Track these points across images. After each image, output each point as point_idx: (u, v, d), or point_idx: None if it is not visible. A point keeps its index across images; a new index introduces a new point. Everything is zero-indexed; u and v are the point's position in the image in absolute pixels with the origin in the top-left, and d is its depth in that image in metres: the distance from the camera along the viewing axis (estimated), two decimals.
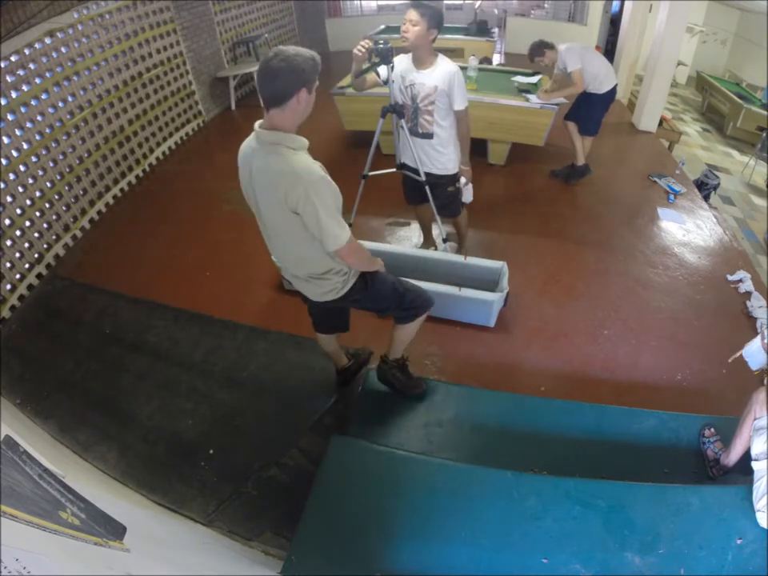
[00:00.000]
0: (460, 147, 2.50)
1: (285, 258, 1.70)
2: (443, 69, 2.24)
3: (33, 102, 3.11)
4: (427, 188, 2.54)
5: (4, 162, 2.89)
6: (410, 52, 2.28)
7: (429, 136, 2.43)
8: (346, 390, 2.27)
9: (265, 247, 1.75)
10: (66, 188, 3.42)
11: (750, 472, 1.40)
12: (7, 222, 2.91)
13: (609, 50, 7.83)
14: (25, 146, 3.06)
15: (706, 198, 4.23)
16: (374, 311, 1.92)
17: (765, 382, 2.31)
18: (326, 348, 2.12)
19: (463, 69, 4.26)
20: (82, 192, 3.59)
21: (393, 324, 1.94)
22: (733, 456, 1.63)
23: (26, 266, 3.06)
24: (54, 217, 3.32)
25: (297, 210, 1.35)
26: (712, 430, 1.81)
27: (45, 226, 3.23)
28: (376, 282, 1.72)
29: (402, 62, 2.33)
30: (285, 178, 1.32)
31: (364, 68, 2.30)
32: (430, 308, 1.88)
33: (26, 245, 3.07)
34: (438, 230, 3.06)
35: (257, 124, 1.38)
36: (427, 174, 2.51)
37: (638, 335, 2.57)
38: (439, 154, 2.49)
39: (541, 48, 3.52)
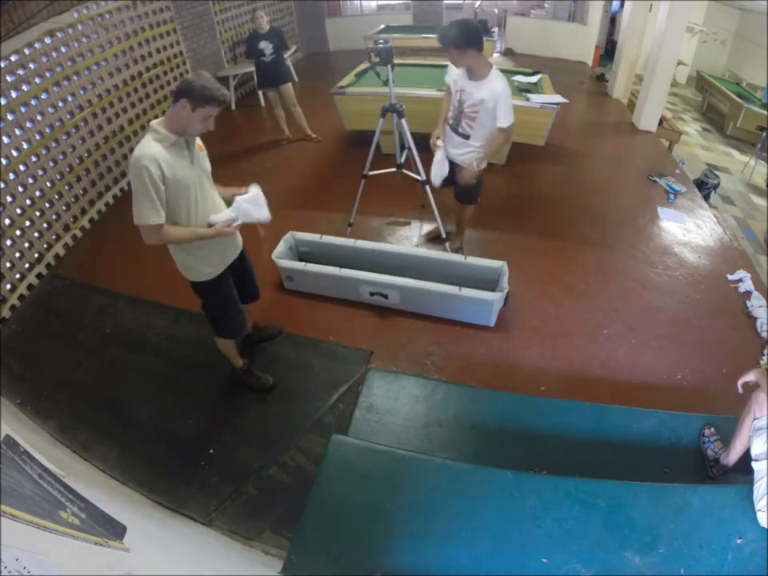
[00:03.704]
0: (487, 148, 2.49)
1: None
2: (492, 86, 2.27)
3: (33, 102, 3.11)
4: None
5: (4, 161, 2.89)
6: None
7: (466, 137, 2.48)
8: (346, 390, 2.27)
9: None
10: (66, 188, 3.43)
11: (750, 472, 1.40)
12: (7, 221, 2.91)
13: (609, 49, 7.84)
14: (25, 146, 3.06)
15: (706, 197, 4.23)
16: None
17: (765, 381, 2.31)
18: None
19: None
20: (82, 192, 3.59)
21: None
22: (732, 456, 1.63)
23: (26, 265, 3.07)
24: (54, 216, 3.32)
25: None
26: (712, 429, 1.81)
27: (45, 225, 3.23)
28: (214, 296, 1.98)
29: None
30: (135, 149, 1.59)
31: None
32: (223, 338, 2.16)
33: (26, 244, 3.07)
34: (438, 229, 3.07)
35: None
36: (452, 163, 2.59)
37: (637, 335, 2.57)
38: (469, 150, 2.51)
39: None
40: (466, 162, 2.50)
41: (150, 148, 1.57)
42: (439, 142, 2.52)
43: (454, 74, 2.41)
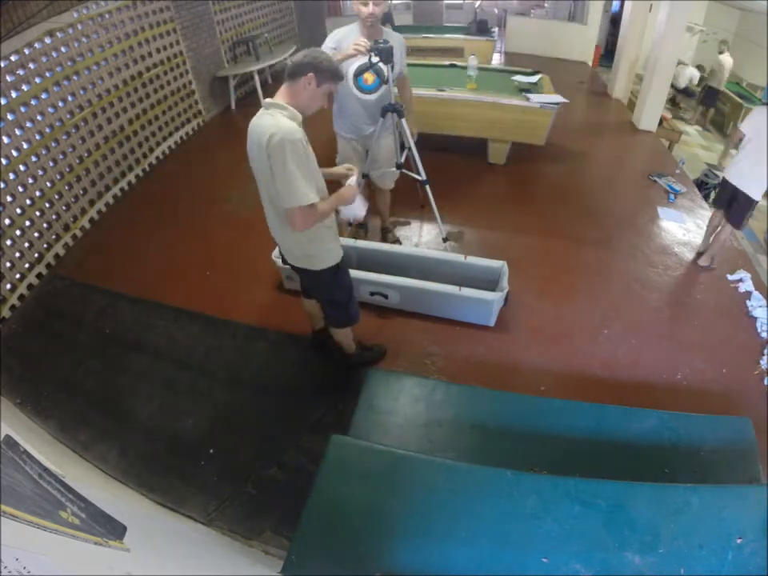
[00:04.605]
0: None
1: (271, 221, 1.82)
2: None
3: (33, 102, 3.11)
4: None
5: (4, 161, 2.89)
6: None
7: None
8: (346, 390, 2.27)
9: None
10: (66, 187, 3.42)
11: None
12: (7, 221, 2.91)
13: (609, 49, 7.84)
14: (25, 146, 3.06)
15: (706, 197, 4.23)
16: (319, 298, 2.08)
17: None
18: (308, 309, 2.28)
19: (464, 68, 4.28)
20: (82, 191, 3.59)
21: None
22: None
23: (26, 265, 3.06)
24: (54, 216, 3.32)
25: (269, 159, 1.49)
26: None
27: (45, 225, 3.23)
28: (339, 279, 1.90)
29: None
30: (268, 129, 1.48)
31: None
32: (348, 326, 2.11)
33: (26, 244, 3.07)
34: (438, 229, 3.07)
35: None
36: None
37: (638, 335, 2.57)
38: None
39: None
40: None
41: (290, 123, 1.51)
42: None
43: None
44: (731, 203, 2.85)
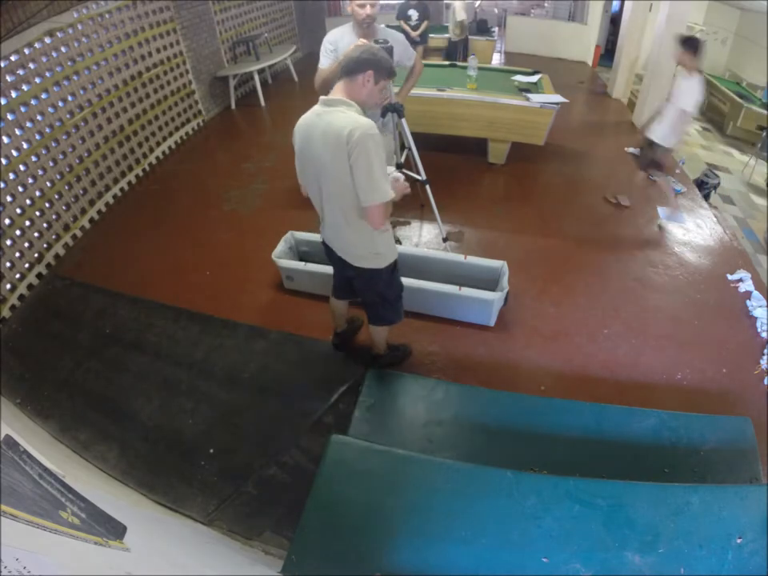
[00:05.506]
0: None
1: (332, 221, 1.76)
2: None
3: (32, 102, 3.11)
4: None
5: (4, 161, 2.89)
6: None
7: None
8: (346, 390, 2.27)
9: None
10: (66, 187, 3.42)
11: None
12: (7, 221, 2.91)
13: (609, 49, 7.83)
14: (25, 146, 3.06)
15: (706, 197, 4.23)
16: (369, 299, 2.01)
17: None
18: (335, 310, 2.28)
19: (464, 68, 4.29)
20: (81, 191, 3.59)
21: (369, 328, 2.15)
22: None
23: (26, 265, 3.06)
24: (54, 216, 3.32)
25: (350, 156, 1.46)
26: None
27: (45, 225, 3.23)
28: (395, 275, 1.91)
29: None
30: (347, 125, 1.46)
31: None
32: (394, 323, 2.09)
33: (26, 244, 3.07)
34: (438, 229, 3.07)
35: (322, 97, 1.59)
36: None
37: (637, 334, 2.57)
38: None
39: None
40: None
41: (366, 119, 1.49)
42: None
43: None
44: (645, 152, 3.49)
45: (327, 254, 1.95)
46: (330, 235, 1.83)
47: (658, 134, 3.27)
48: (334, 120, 1.49)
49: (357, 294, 2.04)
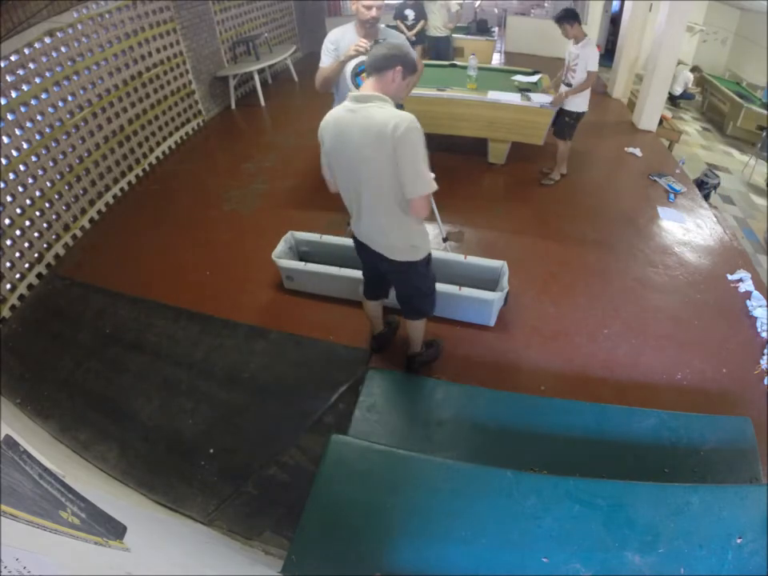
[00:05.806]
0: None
1: (371, 216, 1.75)
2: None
3: (32, 102, 3.11)
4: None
5: (4, 161, 2.89)
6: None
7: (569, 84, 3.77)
8: (346, 390, 2.27)
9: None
10: (66, 187, 3.42)
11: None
12: (7, 221, 2.91)
13: (609, 49, 7.83)
14: (25, 146, 3.06)
15: (706, 197, 4.23)
16: (405, 292, 2.04)
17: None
18: (371, 313, 2.31)
19: (464, 68, 4.28)
20: (81, 191, 3.59)
21: (407, 324, 2.20)
22: None
23: (26, 265, 3.06)
24: (54, 216, 3.32)
25: (396, 150, 1.48)
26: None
27: (45, 225, 3.23)
28: (429, 268, 1.94)
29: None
30: (390, 119, 1.47)
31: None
32: (429, 316, 2.14)
33: (26, 244, 3.07)
34: (438, 229, 3.07)
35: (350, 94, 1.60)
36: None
37: (638, 334, 2.57)
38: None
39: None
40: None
41: (407, 113, 1.51)
42: None
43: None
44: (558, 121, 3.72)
45: (358, 250, 1.95)
46: (364, 230, 1.82)
47: (577, 102, 3.61)
48: (373, 114, 1.50)
49: (387, 293, 2.09)
